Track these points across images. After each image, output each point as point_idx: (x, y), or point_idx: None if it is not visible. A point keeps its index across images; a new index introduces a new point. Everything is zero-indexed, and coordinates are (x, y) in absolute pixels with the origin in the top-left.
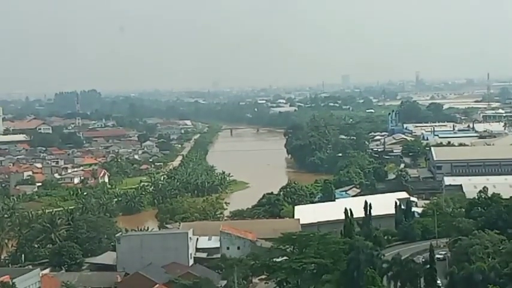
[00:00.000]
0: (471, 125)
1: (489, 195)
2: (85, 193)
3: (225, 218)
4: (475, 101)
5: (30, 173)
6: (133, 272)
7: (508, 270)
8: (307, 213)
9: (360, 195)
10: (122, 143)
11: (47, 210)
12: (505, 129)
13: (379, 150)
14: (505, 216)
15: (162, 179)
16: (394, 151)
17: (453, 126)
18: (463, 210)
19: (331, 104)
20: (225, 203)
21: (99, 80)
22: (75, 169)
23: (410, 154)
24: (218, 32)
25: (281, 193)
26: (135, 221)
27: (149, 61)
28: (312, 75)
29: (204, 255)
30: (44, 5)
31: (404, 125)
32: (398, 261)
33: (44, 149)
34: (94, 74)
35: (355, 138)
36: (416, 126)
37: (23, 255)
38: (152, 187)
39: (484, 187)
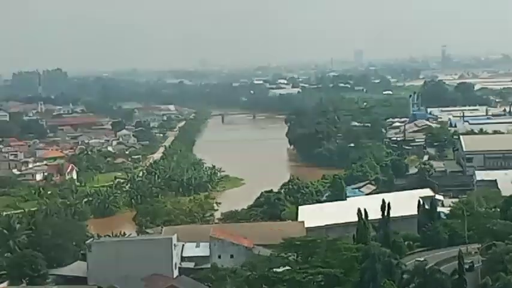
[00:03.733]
0: (507, 109)
1: None
2: (49, 192)
3: (216, 221)
4: None
5: None
6: (107, 286)
7: None
8: (314, 215)
9: (376, 193)
10: (93, 133)
11: (4, 213)
12: None
13: (398, 139)
14: None
15: (140, 174)
16: (416, 140)
17: (486, 110)
18: (498, 210)
19: (342, 85)
20: (216, 203)
21: (65, 57)
22: (38, 164)
23: (435, 144)
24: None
25: (282, 191)
26: (108, 225)
27: (125, 36)
28: (319, 50)
29: (191, 265)
30: None
31: (428, 110)
32: (421, 270)
33: (0, 139)
34: (59, 50)
35: (369, 125)
36: (443, 111)
37: None
38: (129, 185)
39: None
